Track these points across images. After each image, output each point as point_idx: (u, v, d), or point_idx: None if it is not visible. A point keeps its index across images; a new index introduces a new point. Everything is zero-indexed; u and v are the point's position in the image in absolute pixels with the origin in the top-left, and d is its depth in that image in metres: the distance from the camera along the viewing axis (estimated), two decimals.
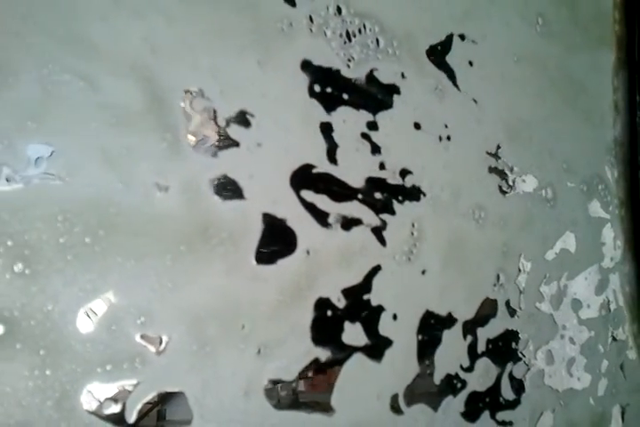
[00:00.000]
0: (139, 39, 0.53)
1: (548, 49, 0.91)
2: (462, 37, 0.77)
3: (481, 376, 0.75)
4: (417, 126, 0.71)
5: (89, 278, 0.49)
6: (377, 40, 0.67)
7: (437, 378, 0.71)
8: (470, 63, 0.78)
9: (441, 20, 0.75)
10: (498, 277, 0.79)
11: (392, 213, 0.69)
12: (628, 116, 1.06)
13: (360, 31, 0.66)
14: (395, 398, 0.67)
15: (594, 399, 0.91)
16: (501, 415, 0.78)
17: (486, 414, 0.76)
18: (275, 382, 0.58)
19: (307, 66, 0.63)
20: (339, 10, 0.65)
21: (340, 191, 0.64)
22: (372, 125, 0.67)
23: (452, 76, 0.75)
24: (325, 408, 0.61)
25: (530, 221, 0.84)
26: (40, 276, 0.47)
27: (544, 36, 0.90)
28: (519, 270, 0.81)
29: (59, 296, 0.48)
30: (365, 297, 0.65)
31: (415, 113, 0.71)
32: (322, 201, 0.62)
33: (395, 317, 0.67)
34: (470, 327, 0.74)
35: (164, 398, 0.52)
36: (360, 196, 0.66)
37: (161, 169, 0.53)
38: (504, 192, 0.81)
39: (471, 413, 0.74)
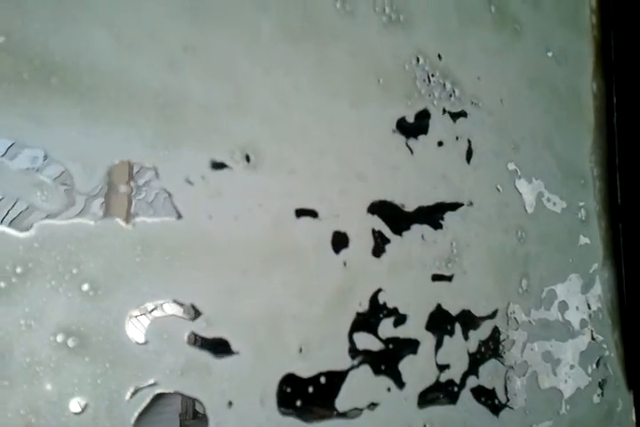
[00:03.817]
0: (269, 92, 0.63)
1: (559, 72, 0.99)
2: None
3: (489, 374, 0.81)
4: (439, 143, 0.77)
5: (156, 291, 0.52)
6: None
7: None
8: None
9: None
10: (521, 284, 0.85)
11: (438, 227, 0.75)
12: (605, 117, 1.11)
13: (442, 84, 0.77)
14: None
15: (590, 400, 0.97)
16: (507, 413, 0.84)
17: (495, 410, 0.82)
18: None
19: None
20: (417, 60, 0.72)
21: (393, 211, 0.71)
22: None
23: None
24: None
25: (555, 233, 0.93)
26: (108, 293, 0.50)
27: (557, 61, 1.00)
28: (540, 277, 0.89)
29: (126, 310, 0.51)
30: (401, 304, 0.70)
31: (442, 134, 0.78)
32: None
33: (409, 320, 0.72)
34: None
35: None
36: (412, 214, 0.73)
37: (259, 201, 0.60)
38: (528, 207, 0.89)
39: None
